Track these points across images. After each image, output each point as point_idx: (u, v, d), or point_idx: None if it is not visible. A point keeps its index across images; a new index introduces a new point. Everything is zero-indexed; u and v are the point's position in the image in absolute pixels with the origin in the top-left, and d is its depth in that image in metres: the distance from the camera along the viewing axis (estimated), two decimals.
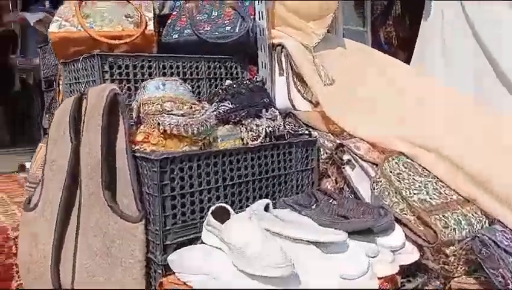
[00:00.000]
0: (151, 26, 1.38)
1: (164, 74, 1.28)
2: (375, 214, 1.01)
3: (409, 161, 1.16)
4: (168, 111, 1.05)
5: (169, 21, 1.50)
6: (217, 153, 1.02)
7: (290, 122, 1.38)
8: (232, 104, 1.15)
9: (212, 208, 0.93)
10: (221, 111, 1.16)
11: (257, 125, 1.18)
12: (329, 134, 1.40)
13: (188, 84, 1.33)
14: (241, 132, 1.18)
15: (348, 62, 1.54)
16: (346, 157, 1.21)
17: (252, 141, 1.18)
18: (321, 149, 1.31)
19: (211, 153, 1.00)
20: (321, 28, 1.46)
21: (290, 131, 1.28)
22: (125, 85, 1.19)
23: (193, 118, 1.02)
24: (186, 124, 1.00)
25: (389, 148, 1.22)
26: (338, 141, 1.33)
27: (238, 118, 1.16)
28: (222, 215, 0.93)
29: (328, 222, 0.92)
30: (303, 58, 1.40)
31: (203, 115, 1.05)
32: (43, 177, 1.13)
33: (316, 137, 1.27)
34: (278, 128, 1.22)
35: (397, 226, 0.99)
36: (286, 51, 1.42)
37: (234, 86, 1.18)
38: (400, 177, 1.08)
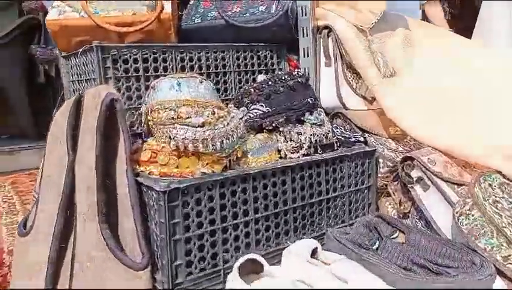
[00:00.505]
0: (168, 8, 1.13)
1: (183, 69, 1.04)
2: (465, 262, 0.73)
3: (507, 181, 0.85)
4: (184, 119, 0.80)
5: (191, 2, 1.25)
6: (246, 176, 0.77)
7: (338, 126, 1.10)
8: (266, 106, 0.89)
9: (238, 263, 0.68)
10: (252, 116, 0.90)
11: (299, 134, 0.91)
12: (389, 140, 1.10)
13: (212, 80, 1.09)
14: (277, 141, 0.92)
15: (414, 48, 1.22)
16: (416, 174, 0.93)
17: (292, 153, 0.91)
18: (380, 160, 1.02)
19: (238, 177, 0.75)
20: (382, 6, 1.16)
21: (341, 137, 1.00)
22: (133, 84, 0.96)
23: (215, 128, 0.77)
24: (206, 138, 0.75)
25: (475, 162, 0.92)
26: (405, 152, 1.04)
27: (274, 125, 0.90)
28: (253, 267, 0.69)
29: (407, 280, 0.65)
30: (356, 44, 1.11)
31: (228, 123, 0.79)
32: (38, 195, 0.93)
33: (374, 146, 0.99)
34: (326, 136, 0.95)
35: (499, 280, 0.71)
36: (334, 35, 1.12)
37: (269, 82, 0.91)
38: (499, 208, 0.78)
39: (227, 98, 1.11)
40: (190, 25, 1.19)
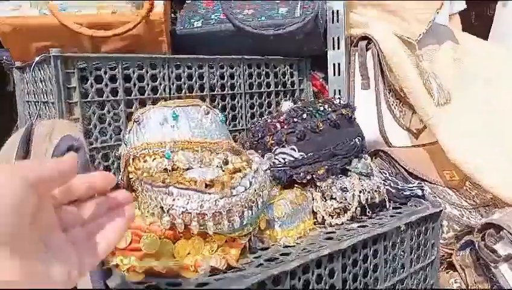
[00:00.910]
0: (159, 7, 0.86)
1: (179, 90, 0.76)
2: None
3: None
4: (182, 173, 0.53)
5: (188, 1, 0.98)
6: (281, 275, 0.49)
7: (382, 170, 0.83)
8: (300, 151, 0.62)
9: None
10: (279, 164, 0.63)
11: (344, 190, 0.64)
12: (447, 189, 0.85)
13: (217, 104, 0.81)
14: (313, 199, 0.65)
15: (464, 64, 0.97)
16: (503, 249, 0.67)
17: (333, 216, 0.65)
18: (444, 222, 0.77)
19: (269, 278, 0.48)
20: (429, 9, 0.90)
21: (391, 190, 0.74)
22: (109, 112, 0.67)
23: (233, 194, 0.49)
24: (220, 211, 0.48)
25: None
26: (472, 209, 0.78)
27: (309, 177, 0.63)
28: None
29: None
30: (404, 61, 0.85)
31: (251, 183, 0.52)
32: None
33: (440, 204, 0.73)
34: (378, 191, 0.68)
35: None
36: (376, 48, 0.87)
37: (303, 115, 0.64)
38: None
39: (235, 128, 0.84)
40: (188, 31, 0.92)
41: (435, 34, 0.97)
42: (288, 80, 0.93)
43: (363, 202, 0.65)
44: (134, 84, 0.70)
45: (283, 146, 0.63)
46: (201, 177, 0.52)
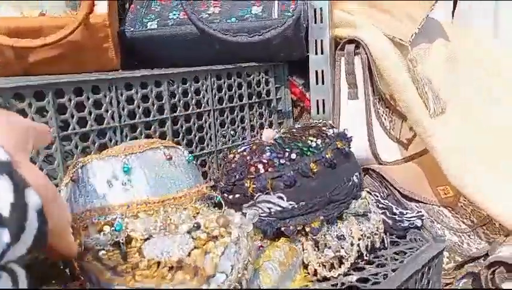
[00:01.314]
0: (103, 7, 0.69)
1: (131, 116, 0.61)
2: None
3: None
4: (141, 246, 0.40)
5: None
6: None
7: (373, 191, 0.73)
8: (289, 199, 0.50)
9: None
10: (263, 214, 0.51)
11: (340, 238, 0.53)
12: (443, 210, 0.77)
13: (180, 128, 0.67)
14: (303, 250, 0.54)
15: (458, 65, 0.88)
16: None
17: (328, 268, 0.54)
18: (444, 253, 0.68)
19: None
20: (423, 8, 0.79)
21: (388, 221, 0.65)
22: (38, 153, 0.52)
23: (209, 280, 0.37)
24: None
25: None
26: (470, 232, 0.71)
27: (300, 228, 0.51)
28: None
29: None
30: (398, 67, 0.74)
31: (232, 266, 0.39)
32: None
33: (443, 237, 0.64)
34: (379, 234, 0.58)
35: None
36: (365, 54, 0.75)
37: (292, 153, 0.52)
38: None
39: (203, 151, 0.70)
40: (140, 33, 0.75)
41: (426, 30, 0.86)
42: (263, 89, 0.80)
43: (363, 250, 0.55)
44: (72, 116, 0.55)
45: (267, 193, 0.50)
46: (165, 256, 0.39)
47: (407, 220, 0.66)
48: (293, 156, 0.51)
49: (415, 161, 0.84)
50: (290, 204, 0.50)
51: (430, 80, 0.78)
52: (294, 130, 0.57)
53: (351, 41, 0.77)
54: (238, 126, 0.76)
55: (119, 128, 0.59)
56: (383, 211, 0.67)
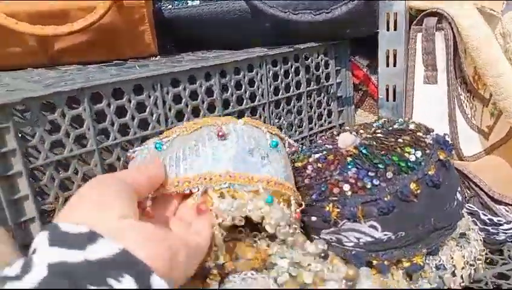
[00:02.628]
0: None
1: (179, 116, 0.51)
2: None
3: None
4: None
5: None
6: None
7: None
8: (384, 229, 0.41)
9: None
10: (351, 246, 0.42)
11: (440, 268, 0.44)
12: None
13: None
14: (394, 282, 0.45)
15: None
16: None
17: None
18: None
19: None
20: None
21: (483, 237, 0.54)
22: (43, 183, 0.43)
23: None
24: None
25: None
26: None
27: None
28: None
29: None
30: (489, 43, 0.61)
31: None
32: None
33: None
34: (481, 258, 0.49)
35: None
36: (450, 29, 0.61)
37: (388, 174, 0.41)
38: None
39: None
40: (178, 10, 0.64)
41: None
42: (322, 72, 0.68)
43: (466, 281, 0.46)
44: (112, 123, 0.45)
45: (356, 221, 0.41)
46: None
47: (503, 233, 0.56)
48: (389, 175, 0.40)
49: (497, 153, 0.72)
50: (385, 234, 0.41)
51: None
52: (381, 135, 0.47)
53: (431, 13, 0.63)
54: (294, 118, 0.66)
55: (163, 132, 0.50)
56: (472, 219, 0.57)
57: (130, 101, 0.47)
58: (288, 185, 0.41)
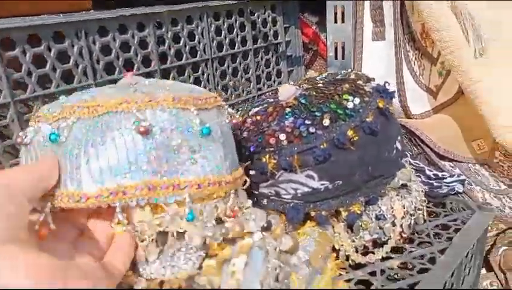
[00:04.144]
0: None
1: (109, 68, 0.47)
2: None
3: None
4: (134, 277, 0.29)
5: None
6: None
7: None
8: (321, 178, 0.39)
9: None
10: (287, 196, 0.40)
11: (380, 218, 0.44)
12: (480, 169, 0.67)
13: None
14: (334, 233, 0.44)
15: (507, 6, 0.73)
16: None
17: (364, 253, 0.45)
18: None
19: None
20: None
21: (425, 187, 0.54)
22: None
23: None
24: None
25: None
26: None
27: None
28: None
29: None
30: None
31: None
32: None
33: (492, 207, 0.55)
34: (422, 208, 0.49)
35: None
36: None
37: (325, 122, 0.39)
38: None
39: None
40: None
41: None
42: (270, 29, 0.65)
43: (406, 230, 0.46)
44: (29, 73, 0.41)
45: (293, 171, 0.39)
46: (168, 274, 0.29)
47: (446, 186, 0.57)
48: (326, 122, 0.39)
49: (445, 112, 0.73)
50: (323, 184, 0.39)
51: (473, 16, 0.64)
52: (321, 85, 0.45)
53: None
54: (241, 77, 0.63)
55: (94, 86, 0.46)
56: (417, 174, 0.57)
57: (49, 50, 0.42)
58: (226, 180, 0.33)
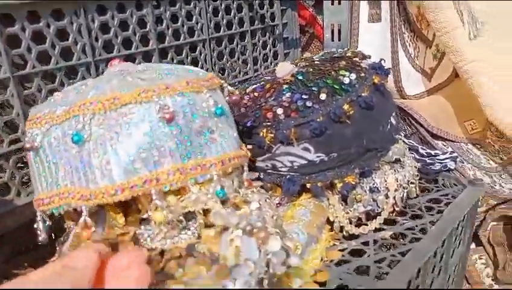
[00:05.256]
0: None
1: (107, 49, 0.48)
2: None
3: None
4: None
5: None
6: None
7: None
8: (317, 151, 0.40)
9: None
10: (283, 169, 0.42)
11: (374, 191, 0.45)
12: (472, 148, 0.69)
13: (170, 61, 0.55)
14: (329, 205, 0.45)
15: None
16: None
17: (357, 224, 0.46)
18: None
19: None
20: None
21: (420, 167, 0.56)
22: None
23: None
24: None
25: None
26: (502, 170, 0.64)
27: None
28: None
29: None
30: None
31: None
32: None
33: (482, 181, 0.56)
34: (415, 182, 0.50)
35: None
36: None
37: (321, 96, 0.41)
38: None
39: None
40: None
41: None
42: (267, 11, 0.66)
43: (398, 203, 0.47)
44: (29, 50, 0.42)
45: (290, 144, 0.40)
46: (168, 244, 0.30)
47: (439, 163, 0.58)
48: (323, 96, 0.40)
49: (439, 94, 0.74)
50: (318, 156, 0.41)
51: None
52: (318, 62, 0.46)
53: None
54: (238, 59, 0.64)
55: (93, 64, 0.47)
56: (410, 152, 0.59)
57: (49, 26, 0.43)
58: (241, 153, 0.36)
